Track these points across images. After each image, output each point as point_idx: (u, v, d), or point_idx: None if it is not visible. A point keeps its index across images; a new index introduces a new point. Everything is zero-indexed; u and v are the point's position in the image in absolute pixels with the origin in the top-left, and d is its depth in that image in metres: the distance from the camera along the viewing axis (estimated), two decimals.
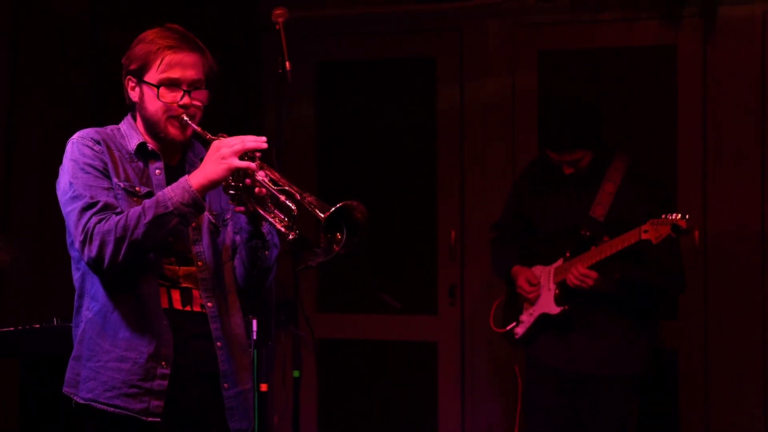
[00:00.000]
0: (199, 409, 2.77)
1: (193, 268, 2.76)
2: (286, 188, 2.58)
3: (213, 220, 2.81)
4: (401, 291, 4.98)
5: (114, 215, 2.63)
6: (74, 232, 2.67)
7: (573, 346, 3.99)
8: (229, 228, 2.85)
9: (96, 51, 4.65)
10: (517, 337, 4.13)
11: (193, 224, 2.74)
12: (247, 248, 2.78)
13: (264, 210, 2.64)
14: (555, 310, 4.00)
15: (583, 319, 3.98)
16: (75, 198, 2.68)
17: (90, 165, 2.70)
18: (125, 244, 2.58)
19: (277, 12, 3.11)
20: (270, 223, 2.65)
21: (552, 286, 4.02)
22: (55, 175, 2.85)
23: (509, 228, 4.29)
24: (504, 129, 5.10)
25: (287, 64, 3.01)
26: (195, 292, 2.77)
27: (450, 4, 5.16)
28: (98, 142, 2.74)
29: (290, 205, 2.57)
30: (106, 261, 2.61)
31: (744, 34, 4.79)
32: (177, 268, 2.75)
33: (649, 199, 3.91)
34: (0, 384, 4.12)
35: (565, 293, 3.99)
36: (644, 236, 3.77)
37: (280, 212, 2.63)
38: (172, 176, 2.73)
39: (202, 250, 2.78)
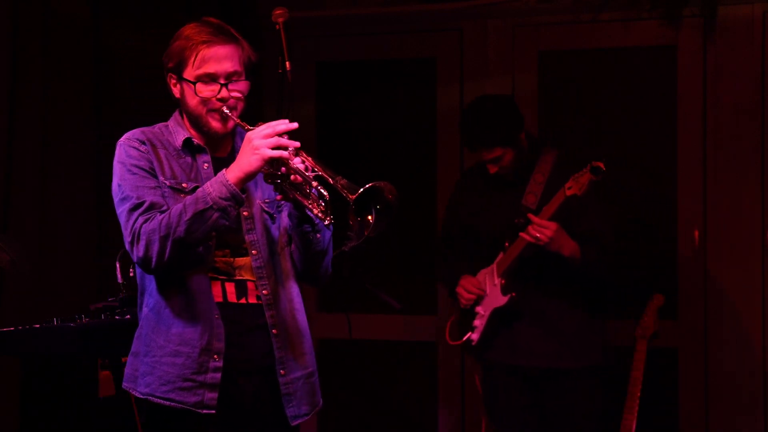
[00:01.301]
0: (254, 402, 2.79)
1: (248, 258, 2.79)
2: (320, 173, 2.60)
3: (266, 208, 2.84)
4: (401, 291, 4.98)
5: (159, 214, 2.67)
6: (124, 233, 2.72)
7: (528, 340, 3.97)
8: (284, 214, 2.87)
9: (97, 50, 4.65)
10: (473, 343, 4.11)
11: (246, 213, 2.79)
12: (297, 233, 2.80)
13: (303, 196, 2.66)
14: (502, 300, 3.98)
15: (533, 309, 3.96)
16: (124, 200, 2.73)
17: (136, 166, 2.75)
18: (169, 242, 2.63)
19: (277, 12, 3.11)
20: (308, 209, 2.66)
21: (497, 281, 4.01)
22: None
23: (452, 242, 4.28)
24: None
25: (287, 64, 3.01)
26: (250, 284, 2.79)
27: (450, 4, 5.16)
28: (143, 143, 2.79)
29: (322, 190, 2.60)
30: (154, 260, 2.66)
31: (744, 34, 4.79)
32: (232, 259, 2.79)
33: None
34: (0, 384, 4.12)
35: (510, 282, 3.97)
36: (569, 192, 3.77)
37: (317, 197, 2.64)
38: (220, 168, 2.74)
39: (256, 238, 2.80)
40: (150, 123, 4.75)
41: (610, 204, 4.02)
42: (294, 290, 2.88)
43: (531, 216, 3.85)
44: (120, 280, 3.64)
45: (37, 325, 3.42)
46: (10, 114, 4.17)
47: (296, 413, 2.83)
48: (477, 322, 4.09)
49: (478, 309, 4.09)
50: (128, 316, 3.51)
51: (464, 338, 4.15)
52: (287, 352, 2.82)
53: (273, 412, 2.81)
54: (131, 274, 3.65)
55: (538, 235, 3.82)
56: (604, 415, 4.07)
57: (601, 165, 3.72)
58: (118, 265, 3.64)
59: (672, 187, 4.89)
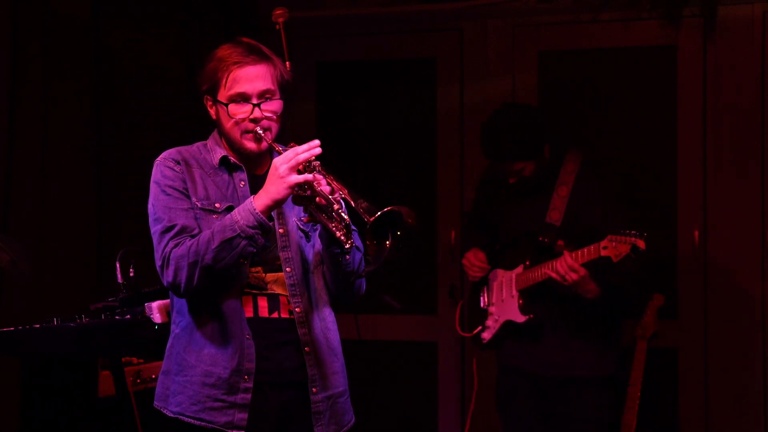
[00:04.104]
0: (283, 417, 2.79)
1: (281, 273, 2.80)
2: (344, 196, 2.61)
3: (301, 227, 2.84)
4: (401, 291, 4.98)
5: (189, 239, 2.68)
6: (155, 256, 2.73)
7: (544, 351, 3.95)
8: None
9: (97, 50, 4.65)
10: (484, 342, 4.12)
11: (281, 231, 2.80)
12: (327, 254, 2.80)
13: (328, 219, 2.65)
14: (521, 318, 3.97)
15: (552, 322, 3.94)
16: (156, 221, 2.75)
17: (170, 186, 2.76)
18: (197, 269, 2.65)
19: (277, 12, 3.11)
20: (331, 230, 2.65)
21: (515, 293, 4.00)
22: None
23: (478, 223, 4.29)
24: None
25: (287, 64, 3.01)
26: (282, 299, 2.79)
27: (450, 4, 5.16)
28: (178, 162, 2.79)
29: (343, 214, 2.61)
30: (183, 286, 2.68)
31: (744, 34, 4.80)
32: (264, 275, 2.79)
33: (603, 199, 3.86)
34: (0, 384, 4.12)
35: (529, 302, 3.97)
36: (603, 253, 3.71)
37: (339, 220, 2.64)
38: (257, 186, 2.74)
39: (290, 256, 2.81)
40: (149, 123, 4.79)
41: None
42: (326, 309, 2.88)
43: (566, 255, 3.79)
44: (120, 280, 3.64)
45: (37, 325, 3.42)
46: (10, 114, 4.17)
47: None
48: (490, 324, 4.09)
49: (492, 309, 4.08)
50: (128, 316, 3.51)
51: (475, 332, 4.15)
52: (319, 371, 2.82)
53: (298, 428, 2.81)
54: (131, 274, 3.65)
55: (566, 276, 3.80)
56: (613, 427, 4.06)
57: (642, 246, 3.64)
58: (118, 265, 3.63)
59: (672, 187, 4.89)
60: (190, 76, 4.80)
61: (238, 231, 2.63)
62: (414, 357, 5.29)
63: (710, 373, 4.85)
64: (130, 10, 4.79)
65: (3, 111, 4.14)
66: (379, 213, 2.51)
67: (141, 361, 3.83)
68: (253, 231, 2.64)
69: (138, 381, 3.77)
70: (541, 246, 3.92)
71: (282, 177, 2.63)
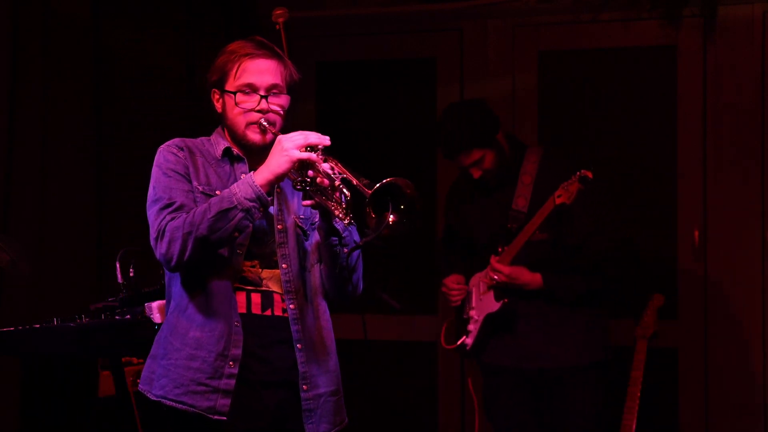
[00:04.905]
0: (278, 416, 2.79)
1: (277, 271, 2.80)
2: (345, 175, 2.61)
3: (300, 224, 2.85)
4: (401, 291, 4.97)
5: (185, 214, 2.69)
6: (150, 230, 2.74)
7: (528, 343, 3.96)
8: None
9: (97, 50, 4.66)
10: (468, 348, 4.11)
11: (280, 227, 2.80)
12: (325, 247, 2.80)
13: (328, 199, 2.66)
14: (495, 306, 3.98)
15: (530, 313, 3.95)
16: (156, 201, 2.76)
17: (172, 169, 2.77)
18: (191, 239, 2.64)
19: (277, 12, 3.12)
20: (330, 209, 2.66)
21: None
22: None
23: (452, 247, 4.31)
24: (504, 129, 5.09)
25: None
26: (276, 296, 2.80)
27: (450, 4, 5.16)
28: (182, 149, 2.82)
29: (345, 190, 2.61)
30: (175, 257, 2.67)
31: (744, 34, 4.80)
32: (260, 270, 2.79)
33: (566, 178, 3.87)
34: (0, 384, 4.12)
35: (502, 288, 3.98)
36: (558, 201, 3.77)
37: (340, 199, 2.65)
38: None
39: (288, 252, 2.81)
40: (149, 123, 4.79)
41: (602, 209, 3.96)
42: (321, 307, 2.88)
43: (492, 259, 3.90)
44: (120, 280, 3.64)
45: (37, 325, 3.42)
46: (10, 114, 4.17)
47: (315, 430, 2.83)
48: (471, 327, 4.09)
49: (473, 313, 4.08)
50: (128, 316, 3.51)
51: (458, 342, 4.16)
52: (311, 368, 2.81)
53: (293, 427, 2.81)
54: (131, 274, 3.65)
55: (495, 277, 3.91)
56: (605, 415, 4.07)
57: (589, 174, 3.71)
58: (118, 265, 3.64)
59: (672, 187, 4.90)
60: (190, 76, 4.81)
61: (236, 203, 2.64)
62: (414, 357, 5.29)
63: (710, 373, 4.85)
64: (130, 10, 4.80)
65: (3, 111, 4.15)
66: (378, 185, 2.53)
67: (141, 361, 3.82)
68: (250, 204, 2.64)
69: (138, 381, 3.77)
70: (510, 233, 3.93)
71: (285, 150, 2.64)
